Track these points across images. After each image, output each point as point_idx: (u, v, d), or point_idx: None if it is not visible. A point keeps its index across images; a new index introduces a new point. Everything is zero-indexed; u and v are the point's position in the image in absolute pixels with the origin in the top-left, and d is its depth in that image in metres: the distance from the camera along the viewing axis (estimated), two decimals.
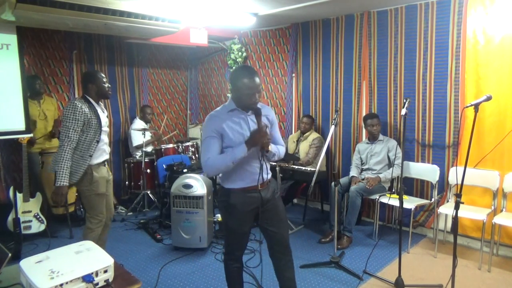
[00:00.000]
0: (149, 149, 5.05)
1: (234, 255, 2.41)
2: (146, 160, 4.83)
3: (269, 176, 2.35)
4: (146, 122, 5.30)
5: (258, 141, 2.12)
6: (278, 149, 2.32)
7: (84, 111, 2.78)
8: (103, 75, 2.96)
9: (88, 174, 2.84)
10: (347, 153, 4.60)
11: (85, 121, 2.78)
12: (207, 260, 3.51)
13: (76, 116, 2.74)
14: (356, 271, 3.19)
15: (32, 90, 4.17)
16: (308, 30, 4.81)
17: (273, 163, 4.06)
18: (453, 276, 2.54)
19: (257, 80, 2.14)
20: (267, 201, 2.29)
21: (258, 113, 2.18)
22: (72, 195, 4.20)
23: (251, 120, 2.23)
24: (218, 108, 2.29)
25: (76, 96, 4.89)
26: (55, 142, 4.38)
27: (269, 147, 2.18)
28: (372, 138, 4.11)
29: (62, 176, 2.69)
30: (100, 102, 2.99)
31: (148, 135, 5.20)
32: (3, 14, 3.02)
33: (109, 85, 2.98)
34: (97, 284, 1.58)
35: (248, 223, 2.31)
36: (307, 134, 4.63)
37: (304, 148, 4.58)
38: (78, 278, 1.53)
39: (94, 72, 2.97)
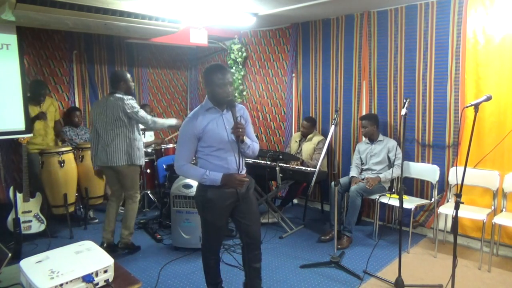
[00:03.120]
0: (149, 149, 5.04)
1: (211, 248, 2.55)
2: (146, 160, 4.81)
3: (244, 171, 2.44)
4: None
5: (232, 184, 2.31)
6: (252, 143, 2.45)
7: None
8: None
9: None
10: (347, 153, 4.60)
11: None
12: None
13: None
14: (356, 271, 3.19)
15: (34, 96, 4.17)
16: (308, 30, 4.81)
17: (273, 163, 4.07)
18: (453, 276, 2.54)
19: (228, 73, 2.32)
20: (242, 196, 2.41)
21: (232, 105, 2.34)
22: (72, 195, 4.20)
23: (225, 119, 2.36)
24: (196, 109, 2.42)
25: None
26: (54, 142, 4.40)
27: (244, 137, 2.32)
28: (370, 139, 4.11)
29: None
30: None
31: (149, 136, 5.19)
32: (3, 14, 3.02)
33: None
34: (97, 284, 1.58)
35: (224, 217, 2.45)
36: (310, 135, 4.61)
37: (307, 150, 4.55)
38: (78, 278, 1.54)
39: (125, 72, 3.54)
